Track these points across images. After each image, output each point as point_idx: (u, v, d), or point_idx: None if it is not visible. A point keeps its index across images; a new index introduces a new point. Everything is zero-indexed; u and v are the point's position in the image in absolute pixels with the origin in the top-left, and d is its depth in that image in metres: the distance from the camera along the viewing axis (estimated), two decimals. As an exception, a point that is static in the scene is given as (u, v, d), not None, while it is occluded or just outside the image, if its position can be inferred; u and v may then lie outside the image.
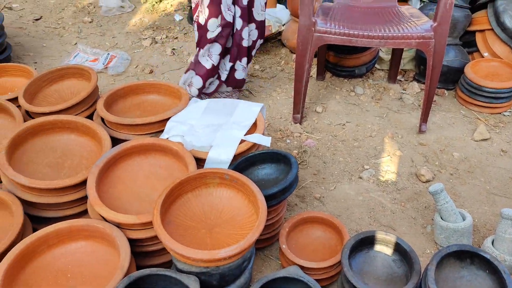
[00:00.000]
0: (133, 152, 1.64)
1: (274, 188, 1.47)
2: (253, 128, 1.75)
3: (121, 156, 1.62)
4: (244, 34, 2.23)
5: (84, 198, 1.56)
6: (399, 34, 2.02)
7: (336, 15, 2.24)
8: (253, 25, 2.28)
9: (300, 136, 2.25)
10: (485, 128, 2.33)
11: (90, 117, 1.94)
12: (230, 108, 1.87)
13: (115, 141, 1.74)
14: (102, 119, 1.90)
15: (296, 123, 2.34)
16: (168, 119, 1.80)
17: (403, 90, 2.66)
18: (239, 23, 2.20)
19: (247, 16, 2.21)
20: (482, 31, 2.68)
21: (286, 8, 3.10)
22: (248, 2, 2.18)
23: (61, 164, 1.68)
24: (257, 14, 2.27)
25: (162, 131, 1.78)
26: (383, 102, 2.55)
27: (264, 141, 1.67)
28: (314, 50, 2.16)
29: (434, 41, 2.02)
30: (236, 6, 2.16)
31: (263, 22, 2.32)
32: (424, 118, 2.27)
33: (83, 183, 1.52)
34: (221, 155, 1.58)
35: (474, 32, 2.73)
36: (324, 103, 2.51)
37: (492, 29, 2.60)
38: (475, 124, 2.41)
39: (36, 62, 2.93)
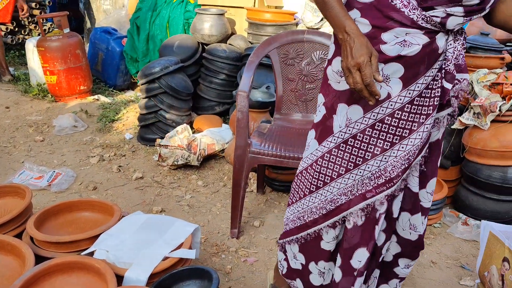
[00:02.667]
0: (55, 271, 1.62)
1: (193, 305, 1.46)
2: (179, 245, 1.77)
3: (42, 276, 1.59)
4: None
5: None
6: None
7: (272, 136, 2.40)
8: None
9: (236, 251, 2.27)
10: (416, 240, 2.41)
11: (21, 235, 1.93)
12: (166, 226, 1.90)
13: (44, 260, 1.72)
14: (31, 238, 1.89)
15: (233, 237, 2.37)
16: (96, 236, 1.81)
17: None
18: None
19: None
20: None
21: (230, 127, 3.30)
22: None
23: (-21, 286, 1.63)
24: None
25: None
26: (320, 215, 2.63)
27: (188, 254, 1.69)
28: (249, 169, 2.26)
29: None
30: None
31: None
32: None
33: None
34: (138, 275, 1.58)
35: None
36: (262, 218, 2.57)
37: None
38: (407, 236, 2.49)
39: (-21, 180, 2.94)
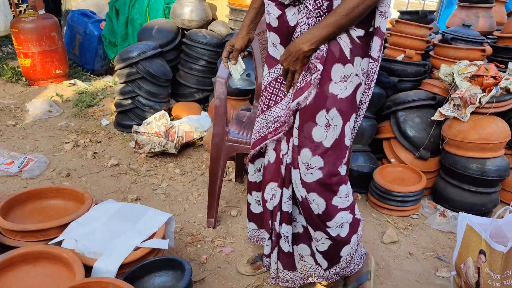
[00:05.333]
0: (19, 261, 1.55)
1: (163, 297, 1.41)
2: (152, 235, 1.72)
3: (5, 266, 1.53)
4: None
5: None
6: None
7: (251, 124, 2.34)
8: None
9: (212, 241, 2.22)
10: (394, 231, 2.40)
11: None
12: (138, 215, 1.85)
13: (9, 250, 1.65)
14: (-2, 226, 1.81)
15: (210, 227, 2.33)
16: (65, 224, 1.75)
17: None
18: None
19: None
20: (388, 139, 2.88)
21: (209, 115, 3.24)
22: None
23: None
24: None
25: (58, 238, 1.71)
26: (298, 206, 2.60)
27: (161, 244, 1.64)
28: (227, 157, 2.21)
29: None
30: None
31: None
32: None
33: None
34: (108, 265, 1.52)
35: (381, 140, 2.92)
36: (240, 207, 2.53)
37: (396, 138, 2.80)
38: (385, 227, 2.48)
39: None
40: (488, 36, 3.26)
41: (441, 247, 2.37)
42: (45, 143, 3.22)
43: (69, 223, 1.75)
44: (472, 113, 2.53)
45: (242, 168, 2.80)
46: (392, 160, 2.83)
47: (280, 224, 1.71)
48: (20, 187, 2.64)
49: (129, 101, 3.38)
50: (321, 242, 1.66)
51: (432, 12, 2.92)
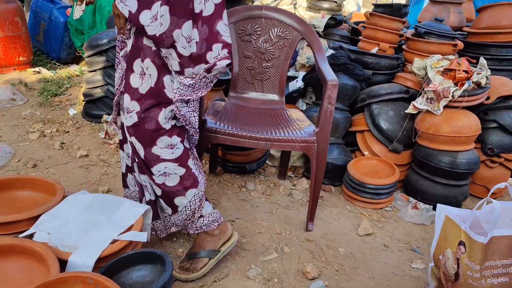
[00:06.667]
0: (-13, 255, 1.47)
1: (144, 291, 1.37)
2: (129, 227, 1.66)
3: (-28, 260, 1.44)
4: None
5: None
6: (284, 137, 2.09)
7: (227, 115, 2.31)
8: None
9: (188, 234, 2.18)
10: (369, 223, 2.42)
11: None
12: (114, 207, 1.77)
13: (-27, 243, 1.56)
14: (-39, 218, 1.71)
15: (185, 220, 2.28)
16: (36, 217, 1.66)
17: (293, 186, 2.74)
18: None
19: None
20: (361, 131, 2.90)
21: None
22: None
23: None
24: None
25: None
26: (273, 198, 2.59)
27: (139, 237, 1.59)
28: (204, 148, 2.16)
29: (316, 145, 2.12)
30: None
31: None
32: (311, 217, 2.31)
33: None
34: (84, 259, 1.45)
35: (355, 132, 2.94)
36: (215, 199, 2.49)
37: (369, 130, 2.82)
38: (359, 219, 2.50)
39: None
40: (458, 32, 3.32)
41: (415, 239, 2.40)
42: (9, 132, 3.08)
43: (40, 215, 1.67)
44: (445, 106, 2.57)
45: (216, 160, 2.76)
46: (366, 152, 2.85)
47: (139, 174, 1.83)
48: (-17, 178, 2.51)
49: (99, 90, 3.27)
50: (155, 187, 1.81)
51: (406, 6, 2.95)
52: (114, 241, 1.57)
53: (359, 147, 2.91)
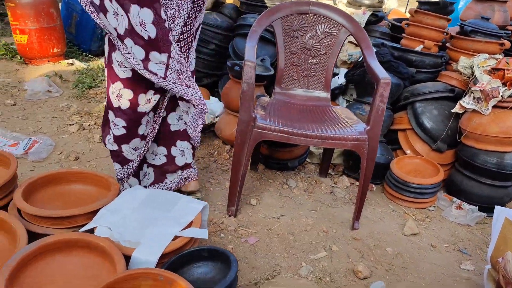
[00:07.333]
0: (53, 249, 1.47)
1: (212, 289, 1.36)
2: (189, 224, 1.65)
3: (39, 254, 1.44)
4: None
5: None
6: (336, 135, 2.05)
7: (274, 111, 2.28)
8: None
9: (235, 230, 2.17)
10: (414, 223, 2.39)
11: (5, 208, 1.75)
12: (170, 203, 1.77)
13: (34, 236, 1.56)
14: (19, 211, 1.71)
15: (231, 215, 2.27)
16: (94, 211, 1.66)
17: (334, 183, 2.71)
18: None
19: None
20: (403, 130, 2.86)
21: (220, 100, 3.15)
22: None
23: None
24: None
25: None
26: (315, 195, 2.56)
27: (200, 234, 1.58)
28: (253, 145, 2.13)
29: (367, 143, 2.09)
30: None
31: None
32: (357, 216, 2.28)
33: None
34: (147, 255, 1.45)
35: (396, 131, 2.90)
36: (258, 196, 2.47)
37: (412, 129, 2.78)
38: (403, 219, 2.46)
39: None
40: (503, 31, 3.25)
41: (461, 240, 2.37)
42: (48, 124, 3.09)
43: (98, 210, 1.67)
44: (493, 106, 2.52)
45: (258, 156, 2.74)
46: (408, 151, 2.82)
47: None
48: (27, 170, 2.52)
49: (136, 84, 3.26)
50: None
51: (452, 3, 2.89)
52: (175, 238, 1.57)
53: (400, 145, 2.87)
